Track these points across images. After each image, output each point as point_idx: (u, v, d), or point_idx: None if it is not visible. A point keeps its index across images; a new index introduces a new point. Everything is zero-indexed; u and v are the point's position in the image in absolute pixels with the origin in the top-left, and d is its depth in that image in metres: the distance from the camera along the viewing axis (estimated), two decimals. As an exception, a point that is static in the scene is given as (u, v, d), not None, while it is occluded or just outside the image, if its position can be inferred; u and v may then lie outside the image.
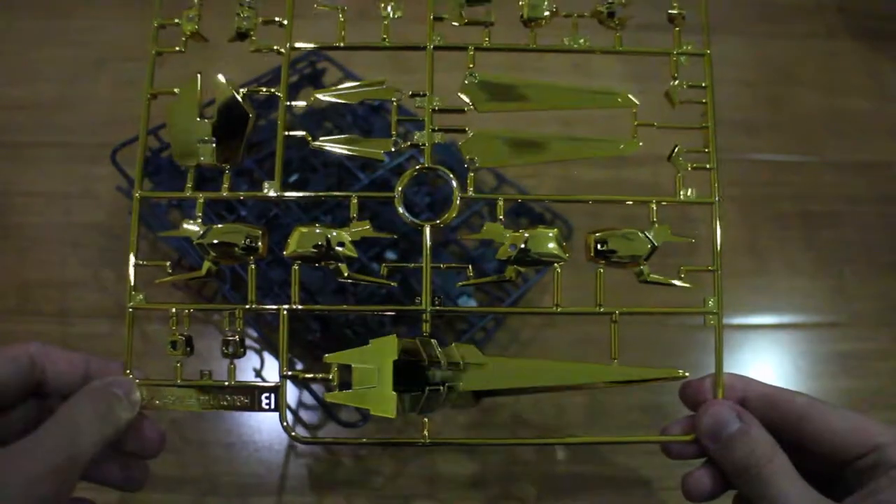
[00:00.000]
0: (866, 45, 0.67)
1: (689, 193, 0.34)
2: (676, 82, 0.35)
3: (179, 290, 0.48)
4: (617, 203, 0.36)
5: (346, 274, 0.33)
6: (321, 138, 0.35)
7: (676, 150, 0.35)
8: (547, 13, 0.36)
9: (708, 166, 0.35)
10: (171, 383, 0.33)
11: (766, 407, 0.31)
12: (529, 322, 0.49)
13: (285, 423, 0.33)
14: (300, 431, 0.44)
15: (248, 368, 0.47)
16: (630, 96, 0.35)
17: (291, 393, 0.46)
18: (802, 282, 0.53)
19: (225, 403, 0.33)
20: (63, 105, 0.59)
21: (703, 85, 0.36)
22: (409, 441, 0.33)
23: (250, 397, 0.33)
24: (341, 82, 0.54)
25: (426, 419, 0.32)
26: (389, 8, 0.35)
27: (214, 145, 0.34)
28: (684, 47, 0.36)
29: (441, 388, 0.32)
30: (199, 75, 0.34)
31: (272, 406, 0.32)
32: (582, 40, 0.36)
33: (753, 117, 0.62)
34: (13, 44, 0.63)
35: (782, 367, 0.49)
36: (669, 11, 0.36)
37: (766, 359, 0.49)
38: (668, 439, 0.33)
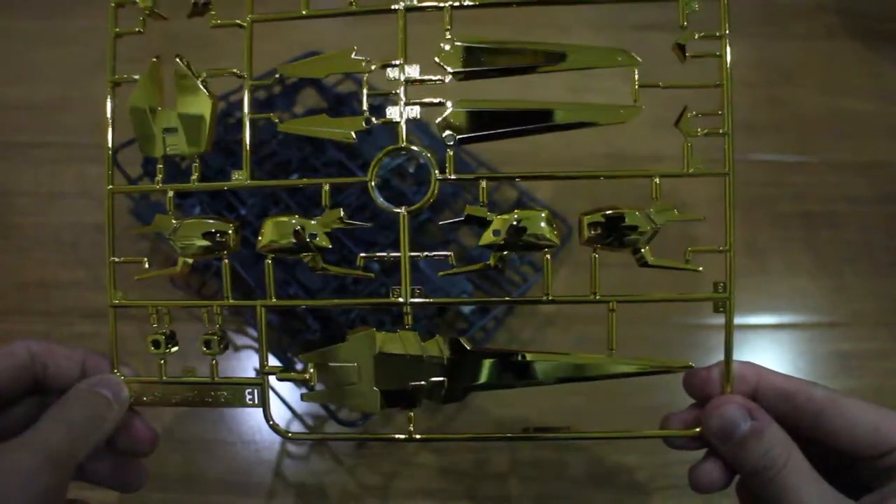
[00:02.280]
0: (866, 45, 0.67)
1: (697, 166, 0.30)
2: (686, 31, 0.31)
3: (179, 289, 0.48)
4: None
5: (320, 265, 0.32)
6: (288, 121, 0.32)
7: (685, 112, 0.31)
8: None
9: (721, 131, 0.31)
10: (156, 380, 0.32)
11: (780, 400, 0.29)
12: (529, 322, 0.49)
13: (270, 419, 0.33)
14: (299, 430, 0.44)
15: (248, 367, 0.47)
16: (627, 55, 0.31)
17: (291, 391, 0.46)
18: (802, 282, 0.53)
19: (209, 400, 0.32)
20: (63, 105, 0.59)
21: (718, 34, 0.31)
22: (395, 437, 0.31)
23: (234, 393, 0.32)
24: (340, 82, 0.55)
25: (412, 414, 0.31)
26: None
27: (179, 134, 0.32)
28: None
29: (424, 382, 0.31)
30: (156, 59, 0.33)
31: (255, 401, 0.32)
32: None
33: (753, 118, 0.62)
34: (13, 44, 0.63)
35: (782, 367, 0.48)
36: None
37: (766, 359, 0.49)
38: (674, 434, 0.31)
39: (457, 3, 0.31)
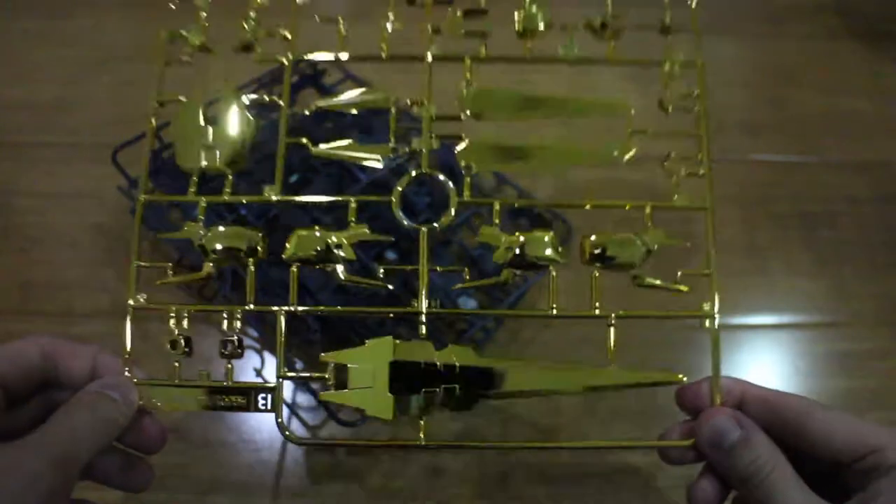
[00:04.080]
0: (866, 45, 0.67)
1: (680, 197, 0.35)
2: (668, 91, 0.37)
3: (181, 290, 0.48)
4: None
5: (343, 277, 0.34)
6: (322, 146, 0.36)
7: (670, 155, 0.35)
8: (542, 26, 0.37)
9: (701, 172, 0.35)
10: (170, 383, 0.33)
11: (764, 411, 0.31)
12: (529, 322, 0.49)
13: (280, 422, 0.33)
14: (299, 430, 0.44)
15: (248, 368, 0.47)
16: (626, 104, 0.36)
17: (290, 391, 0.46)
18: (802, 282, 0.53)
19: (222, 404, 0.33)
20: (63, 105, 0.59)
21: (696, 94, 0.36)
22: (406, 443, 0.32)
23: (247, 398, 0.33)
24: (342, 83, 0.55)
25: (422, 421, 0.32)
26: (389, 24, 0.37)
27: (218, 151, 0.35)
28: (678, 56, 0.37)
29: (437, 390, 0.32)
30: (204, 85, 0.36)
31: (269, 406, 0.33)
32: (576, 50, 0.37)
33: (753, 118, 0.62)
34: (13, 44, 0.63)
35: (782, 367, 0.49)
36: (663, 22, 0.38)
37: (766, 359, 0.49)
38: (668, 444, 0.33)
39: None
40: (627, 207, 0.35)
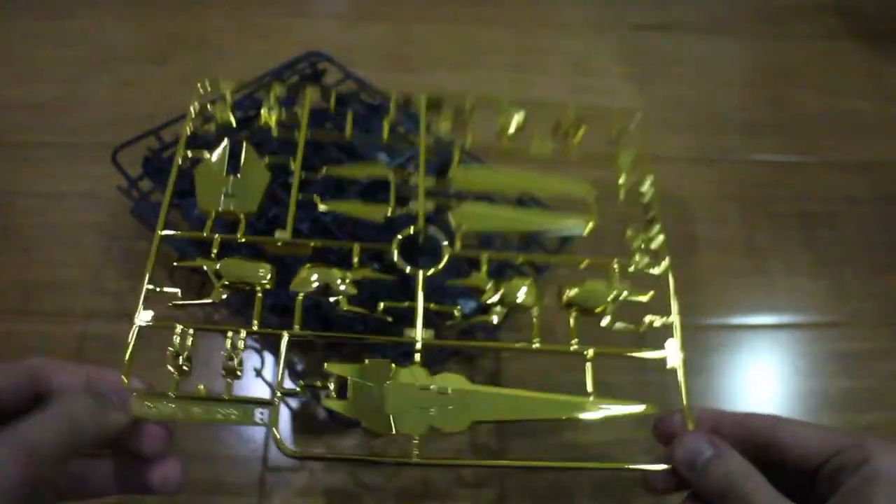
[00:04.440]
0: (866, 45, 0.67)
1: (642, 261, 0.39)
2: (622, 188, 0.42)
3: (178, 288, 0.48)
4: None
5: (345, 308, 0.36)
6: (329, 201, 0.40)
7: (628, 233, 0.40)
8: (514, 128, 0.43)
9: (653, 246, 0.40)
10: (167, 395, 0.32)
11: (738, 430, 0.32)
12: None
13: (277, 438, 0.33)
14: (297, 429, 0.44)
15: (248, 368, 0.46)
16: (589, 188, 0.41)
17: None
18: (802, 282, 0.53)
19: (220, 417, 0.33)
20: (63, 105, 0.59)
21: (645, 190, 0.42)
22: (400, 461, 0.33)
23: (244, 412, 0.33)
24: (340, 82, 0.55)
25: (416, 440, 0.33)
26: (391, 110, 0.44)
27: (236, 198, 0.39)
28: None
29: (430, 413, 0.33)
30: (226, 139, 0.40)
31: (265, 421, 0.33)
32: (542, 149, 0.43)
33: (754, 118, 0.62)
34: (13, 44, 0.63)
35: (782, 367, 0.49)
36: (612, 135, 0.43)
37: (766, 359, 0.49)
38: (646, 468, 0.33)
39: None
40: (582, 266, 0.39)
